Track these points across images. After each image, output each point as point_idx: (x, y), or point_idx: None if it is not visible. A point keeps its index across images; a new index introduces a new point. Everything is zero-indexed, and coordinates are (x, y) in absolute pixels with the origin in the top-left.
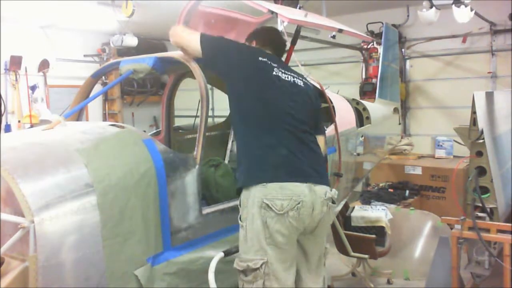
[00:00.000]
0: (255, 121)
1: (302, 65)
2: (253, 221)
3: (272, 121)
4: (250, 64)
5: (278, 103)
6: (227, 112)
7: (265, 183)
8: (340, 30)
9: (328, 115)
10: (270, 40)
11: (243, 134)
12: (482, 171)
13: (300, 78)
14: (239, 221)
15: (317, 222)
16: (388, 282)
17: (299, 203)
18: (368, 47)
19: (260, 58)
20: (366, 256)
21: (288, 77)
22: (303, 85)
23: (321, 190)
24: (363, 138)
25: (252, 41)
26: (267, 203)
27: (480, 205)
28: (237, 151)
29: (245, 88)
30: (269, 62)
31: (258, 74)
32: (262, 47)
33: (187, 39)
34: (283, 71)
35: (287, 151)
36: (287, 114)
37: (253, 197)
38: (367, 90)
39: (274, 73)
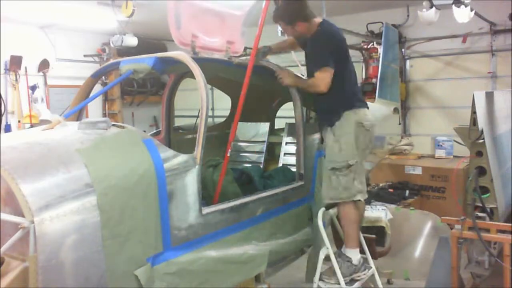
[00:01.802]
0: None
1: (303, 65)
2: (349, 136)
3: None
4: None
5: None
6: (227, 112)
7: (357, 108)
8: None
9: None
10: (310, 11)
11: (340, 86)
12: (482, 171)
13: None
14: (333, 137)
15: None
16: (388, 282)
17: (373, 124)
18: (368, 47)
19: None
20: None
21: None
22: None
23: None
24: None
25: (296, 23)
26: (362, 123)
27: (480, 205)
28: (331, 97)
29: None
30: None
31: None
32: (310, 21)
33: (324, 76)
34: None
35: (358, 91)
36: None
37: (349, 120)
38: (367, 90)
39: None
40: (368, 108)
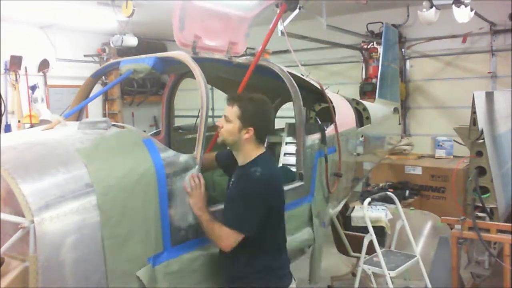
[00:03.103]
0: None
1: (303, 65)
2: None
3: None
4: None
5: None
6: None
7: None
8: None
9: (329, 115)
10: (266, 133)
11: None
12: (482, 171)
13: None
14: None
15: None
16: None
17: None
18: (368, 47)
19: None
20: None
21: None
22: None
23: None
24: (363, 138)
25: (249, 129)
26: None
27: (480, 205)
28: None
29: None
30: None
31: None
32: (258, 141)
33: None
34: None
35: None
36: None
37: None
38: (367, 90)
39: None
40: None
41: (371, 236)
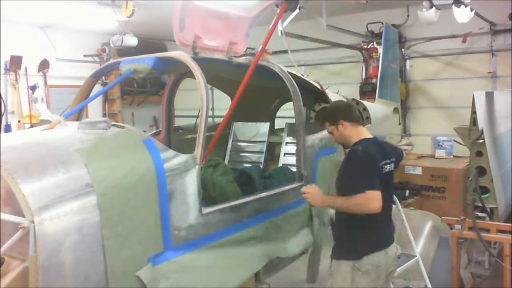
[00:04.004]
0: None
1: (302, 65)
2: None
3: None
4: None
5: None
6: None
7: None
8: None
9: None
10: (357, 117)
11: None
12: (482, 171)
13: (392, 159)
14: None
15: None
16: None
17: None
18: (368, 47)
19: (380, 165)
20: None
21: (387, 167)
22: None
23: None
24: None
25: (339, 122)
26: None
27: (480, 205)
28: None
29: None
30: (383, 163)
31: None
32: (353, 126)
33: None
34: (385, 162)
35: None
36: None
37: None
38: (367, 90)
39: (383, 171)
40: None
41: None
